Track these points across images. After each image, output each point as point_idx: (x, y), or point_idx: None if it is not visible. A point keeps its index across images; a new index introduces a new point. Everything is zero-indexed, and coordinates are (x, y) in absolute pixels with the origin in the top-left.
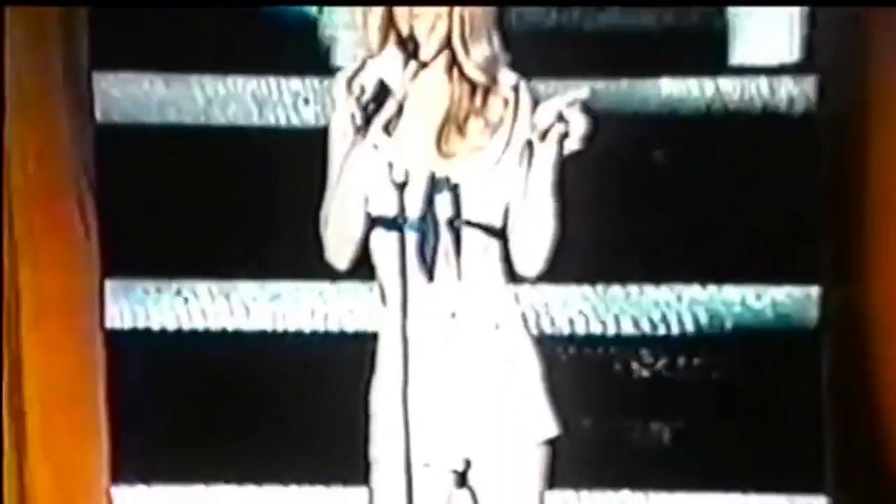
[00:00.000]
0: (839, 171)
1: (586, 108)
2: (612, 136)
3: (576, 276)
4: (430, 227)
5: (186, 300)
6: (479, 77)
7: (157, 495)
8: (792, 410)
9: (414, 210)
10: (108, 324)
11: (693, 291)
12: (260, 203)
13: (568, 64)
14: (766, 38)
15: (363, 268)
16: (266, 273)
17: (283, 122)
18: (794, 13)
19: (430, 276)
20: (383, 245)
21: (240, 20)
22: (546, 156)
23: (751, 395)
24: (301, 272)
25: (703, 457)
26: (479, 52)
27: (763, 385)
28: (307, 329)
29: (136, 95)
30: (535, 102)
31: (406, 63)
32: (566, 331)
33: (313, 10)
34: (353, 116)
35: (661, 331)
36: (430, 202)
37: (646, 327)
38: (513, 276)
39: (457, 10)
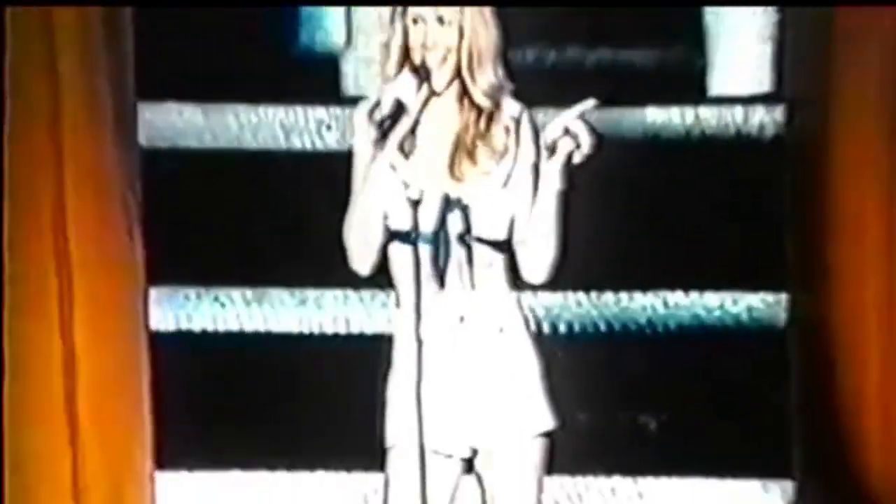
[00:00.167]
0: (805, 190)
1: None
2: (603, 159)
3: (572, 284)
4: (442, 242)
5: (223, 305)
6: (484, 102)
7: (197, 480)
8: (763, 404)
9: (428, 226)
10: (153, 326)
11: (677, 297)
12: (288, 218)
13: (564, 95)
14: (741, 72)
15: (381, 276)
16: (294, 281)
17: (308, 146)
18: (767, 49)
19: (442, 284)
20: (400, 256)
21: (268, 56)
22: (553, 171)
23: (727, 390)
24: (325, 281)
25: (685, 445)
26: (485, 80)
27: (738, 381)
28: (330, 331)
29: (176, 123)
30: (535, 130)
31: (420, 86)
32: (563, 333)
33: (337, 45)
34: (373, 140)
35: (648, 333)
36: (442, 220)
37: (634, 330)
38: (516, 284)
39: (465, 43)
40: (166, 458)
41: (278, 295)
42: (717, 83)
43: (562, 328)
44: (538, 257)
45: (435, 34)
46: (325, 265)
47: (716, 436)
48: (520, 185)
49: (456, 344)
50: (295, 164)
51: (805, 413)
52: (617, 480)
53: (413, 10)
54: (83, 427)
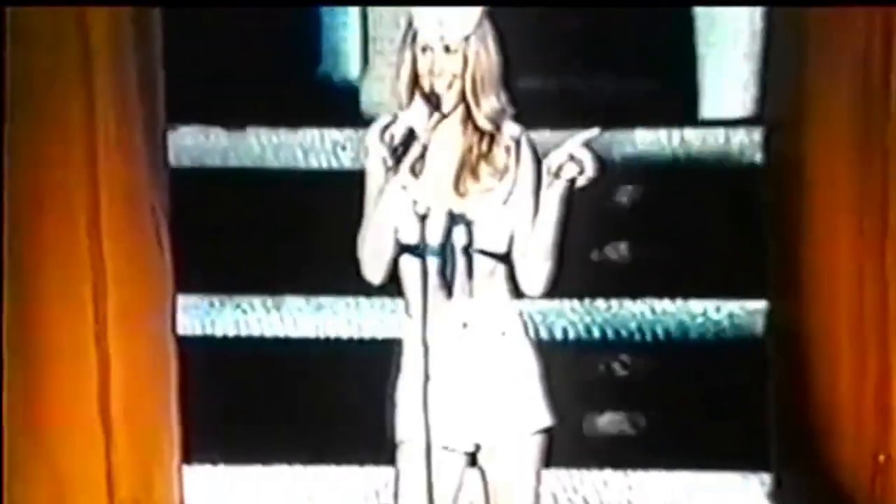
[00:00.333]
0: (782, 207)
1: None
2: (596, 178)
3: (568, 292)
4: (448, 254)
5: (244, 312)
6: (486, 126)
7: (221, 473)
8: (743, 403)
9: (434, 239)
10: (180, 331)
11: (664, 305)
12: (305, 232)
13: (561, 118)
14: (724, 97)
15: (391, 285)
16: (310, 289)
17: (324, 165)
18: (748, 77)
19: (448, 293)
20: (409, 267)
21: (288, 82)
22: (555, 193)
23: (710, 391)
24: (339, 289)
25: (671, 442)
26: (487, 105)
27: (720, 382)
28: (345, 336)
29: (203, 144)
30: (535, 151)
31: (431, 114)
32: (560, 338)
33: (353, 73)
34: (384, 160)
35: (638, 338)
36: (448, 233)
37: (625, 335)
38: (516, 293)
39: (469, 70)
40: (193, 453)
41: (296, 302)
42: (701, 107)
43: (558, 333)
44: (537, 274)
45: (442, 62)
46: (339, 275)
47: (699, 432)
48: (519, 201)
49: (460, 348)
50: (312, 182)
51: (782, 411)
52: (609, 474)
53: (422, 40)
54: (115, 424)
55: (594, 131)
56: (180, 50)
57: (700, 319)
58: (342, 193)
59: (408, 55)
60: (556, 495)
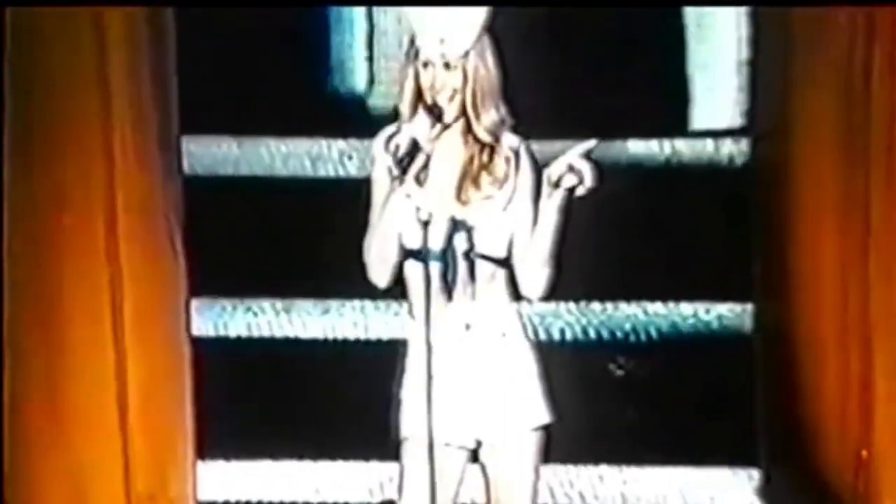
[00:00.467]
0: (768, 213)
1: (591, 158)
2: (594, 187)
3: (565, 295)
4: (450, 259)
5: (255, 314)
6: (486, 138)
7: (233, 468)
8: (732, 401)
9: (437, 244)
10: (194, 332)
11: (656, 307)
12: (313, 238)
13: (559, 128)
14: (713, 108)
15: (396, 288)
16: (318, 293)
17: (331, 174)
18: (736, 89)
19: (450, 296)
20: (413, 271)
21: (297, 95)
22: (555, 202)
23: (700, 389)
24: (346, 292)
25: (664, 438)
26: (487, 118)
27: (710, 380)
28: (351, 337)
29: (215, 154)
30: (533, 160)
31: (433, 126)
32: (558, 339)
33: (359, 86)
34: (389, 169)
35: (632, 339)
36: (450, 239)
37: (619, 336)
38: (516, 295)
39: (469, 85)
40: (206, 448)
41: (304, 305)
42: (692, 118)
43: (556, 334)
44: (536, 279)
45: (443, 77)
46: (346, 279)
47: (691, 429)
48: (519, 208)
49: (462, 348)
50: (320, 190)
51: (769, 409)
52: (604, 469)
53: (423, 56)
54: (132, 421)
55: (592, 143)
56: (193, 64)
57: (691, 321)
58: (348, 201)
59: (411, 70)
60: (553, 490)
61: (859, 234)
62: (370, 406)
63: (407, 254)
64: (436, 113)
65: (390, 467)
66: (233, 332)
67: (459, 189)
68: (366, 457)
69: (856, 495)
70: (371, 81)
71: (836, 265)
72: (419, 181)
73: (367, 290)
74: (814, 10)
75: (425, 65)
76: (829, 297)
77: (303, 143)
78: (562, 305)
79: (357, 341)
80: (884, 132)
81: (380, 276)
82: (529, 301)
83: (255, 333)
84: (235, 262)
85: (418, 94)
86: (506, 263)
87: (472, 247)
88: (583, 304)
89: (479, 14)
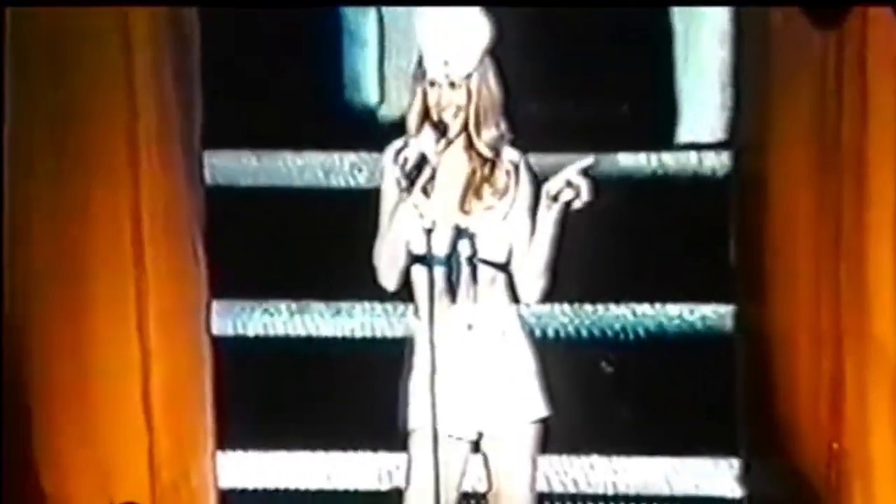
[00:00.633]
0: (748, 221)
1: (588, 174)
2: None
3: (559, 297)
4: (454, 264)
5: (271, 315)
6: (487, 153)
7: (251, 458)
8: (714, 396)
9: (442, 251)
10: (214, 332)
11: (644, 308)
12: (325, 244)
13: (554, 143)
14: (697, 124)
15: (403, 291)
16: (330, 295)
17: (343, 185)
18: (722, 107)
19: (454, 298)
20: (419, 275)
21: (311, 111)
22: (553, 215)
23: (685, 385)
24: (356, 295)
25: (651, 430)
26: (488, 134)
27: (694, 377)
28: (360, 336)
29: (235, 166)
30: (532, 173)
31: (438, 140)
32: (552, 338)
33: (370, 103)
34: (398, 181)
35: (622, 338)
36: (454, 246)
37: (610, 335)
38: (514, 298)
39: (472, 103)
40: (226, 440)
41: (317, 307)
42: (677, 133)
43: (551, 334)
44: (534, 287)
45: (448, 96)
46: (356, 282)
47: (676, 422)
48: (518, 218)
49: (465, 346)
50: (332, 200)
51: (748, 403)
52: (596, 458)
53: (430, 76)
54: (156, 415)
55: (590, 160)
56: (216, 84)
57: (676, 321)
58: (358, 210)
59: (418, 89)
60: (550, 478)
61: (831, 242)
62: (378, 400)
63: (414, 259)
64: (441, 129)
65: (398, 457)
66: (251, 332)
67: (463, 199)
68: (374, 447)
69: (827, 484)
70: (381, 99)
71: (810, 270)
72: (425, 192)
73: (375, 293)
74: (790, 34)
75: (431, 84)
76: (803, 300)
77: (316, 156)
78: (557, 307)
79: (366, 340)
80: (853, 147)
81: (389, 279)
82: (527, 303)
83: (272, 333)
84: (253, 267)
85: (425, 112)
86: (505, 268)
87: (474, 253)
88: (576, 305)
89: (482, 38)
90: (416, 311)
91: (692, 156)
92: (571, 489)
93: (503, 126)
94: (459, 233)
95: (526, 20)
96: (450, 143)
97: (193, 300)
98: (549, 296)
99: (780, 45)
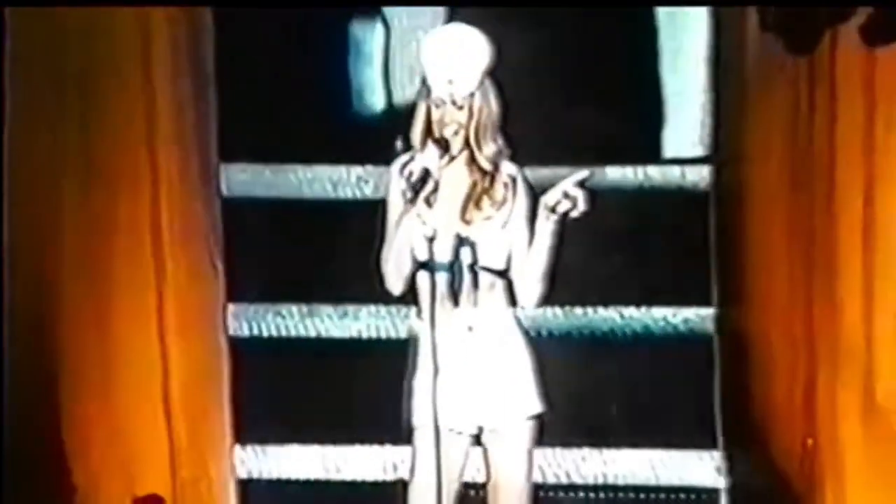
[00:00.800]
0: (728, 230)
1: (584, 185)
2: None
3: (553, 301)
4: (456, 270)
5: (284, 317)
6: (487, 167)
7: (266, 452)
8: (697, 393)
9: (445, 258)
10: (231, 332)
11: (630, 311)
12: (333, 251)
13: (548, 157)
14: (681, 140)
15: (407, 295)
16: (339, 299)
17: (350, 196)
18: (703, 124)
19: (455, 302)
20: (423, 280)
21: (320, 127)
22: (550, 225)
23: (670, 382)
24: (363, 298)
25: (638, 424)
26: (488, 150)
27: (678, 375)
28: (367, 337)
29: (249, 178)
30: (529, 185)
31: (441, 156)
32: (546, 339)
33: (376, 119)
34: (403, 192)
35: (610, 338)
36: (456, 253)
37: (599, 336)
38: (512, 301)
39: (473, 121)
40: (242, 435)
41: (326, 310)
42: (662, 147)
43: (545, 335)
44: (532, 293)
45: (451, 114)
46: (363, 287)
47: (661, 417)
48: (516, 227)
49: (466, 347)
50: (340, 210)
51: (728, 400)
52: (587, 451)
53: (434, 95)
54: (176, 412)
55: (585, 173)
56: (231, 107)
57: (661, 323)
58: (364, 219)
59: (422, 107)
60: (544, 469)
61: (804, 249)
62: (384, 397)
63: (418, 265)
64: (443, 145)
65: (403, 450)
66: (265, 333)
67: (464, 210)
68: (381, 441)
69: (801, 477)
70: (387, 114)
71: (784, 276)
72: (429, 203)
73: (381, 297)
74: (765, 56)
75: (437, 105)
76: (779, 304)
77: (325, 169)
78: (549, 310)
79: (372, 341)
80: (825, 161)
81: (395, 284)
82: (524, 307)
83: (284, 334)
84: (266, 272)
85: (428, 128)
86: (504, 274)
87: (475, 260)
88: (567, 308)
89: (483, 60)
90: (420, 314)
91: (676, 170)
92: (564, 480)
93: (501, 142)
94: (461, 241)
95: (522, 44)
96: (452, 158)
97: (210, 304)
98: (545, 300)
99: (756, 69)
